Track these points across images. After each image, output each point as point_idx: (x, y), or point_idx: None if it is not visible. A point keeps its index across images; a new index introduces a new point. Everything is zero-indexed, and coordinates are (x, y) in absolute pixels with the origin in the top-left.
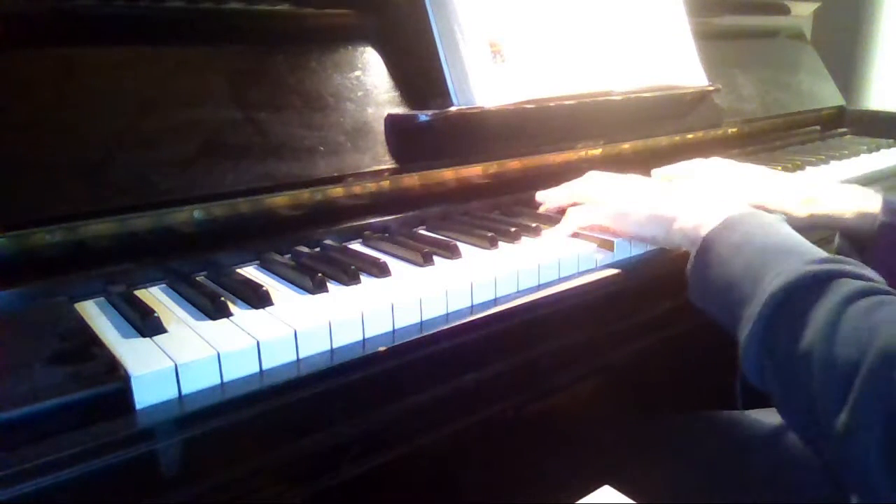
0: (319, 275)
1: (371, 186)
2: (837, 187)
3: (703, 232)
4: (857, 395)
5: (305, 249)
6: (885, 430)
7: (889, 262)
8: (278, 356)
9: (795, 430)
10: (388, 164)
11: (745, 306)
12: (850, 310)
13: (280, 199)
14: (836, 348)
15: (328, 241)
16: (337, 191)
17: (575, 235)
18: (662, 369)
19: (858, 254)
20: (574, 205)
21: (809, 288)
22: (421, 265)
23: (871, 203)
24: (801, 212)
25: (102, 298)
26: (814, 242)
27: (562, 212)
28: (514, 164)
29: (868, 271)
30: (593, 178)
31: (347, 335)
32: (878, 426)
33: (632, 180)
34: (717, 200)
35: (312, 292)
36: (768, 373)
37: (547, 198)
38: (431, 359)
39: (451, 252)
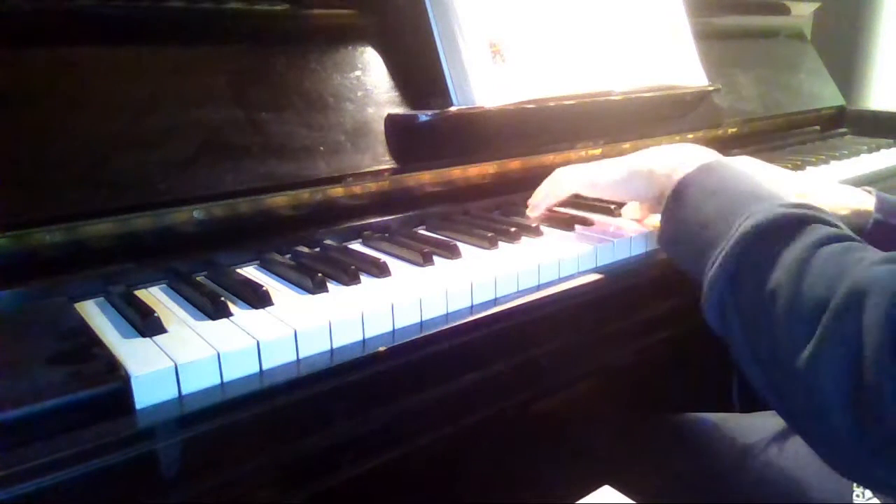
0: (319, 275)
1: (371, 186)
2: (831, 185)
3: (676, 177)
4: (822, 332)
5: (305, 249)
6: (849, 367)
7: None
8: (278, 356)
9: (752, 375)
10: (388, 164)
11: (714, 248)
12: (820, 252)
13: (280, 199)
14: (805, 288)
15: (328, 241)
16: (337, 191)
17: (569, 227)
18: (662, 370)
19: None
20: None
21: (781, 229)
22: (421, 265)
23: (864, 200)
24: None
25: (102, 298)
26: None
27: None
28: (514, 164)
29: (837, 220)
30: (561, 169)
31: (347, 335)
32: (842, 362)
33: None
34: (692, 149)
35: (312, 292)
36: (730, 312)
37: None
38: (431, 359)
39: (451, 252)
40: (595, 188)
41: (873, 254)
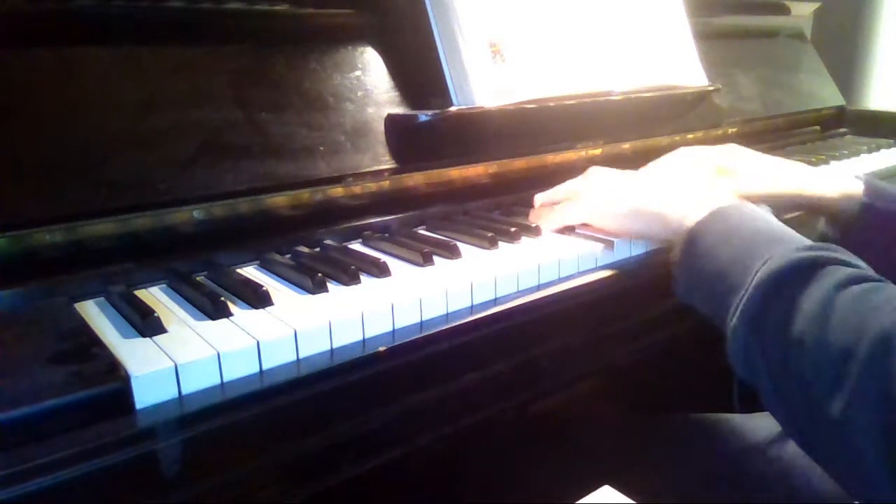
0: (319, 275)
1: (371, 186)
2: (821, 171)
3: (689, 223)
4: (853, 379)
5: (305, 249)
6: (882, 414)
7: (872, 244)
8: (278, 356)
9: (784, 422)
10: (388, 164)
11: (734, 294)
12: (841, 295)
13: (280, 199)
14: (830, 333)
15: (328, 241)
16: (337, 191)
17: (570, 233)
18: (662, 370)
19: (843, 237)
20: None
21: (800, 273)
22: (421, 265)
23: (854, 185)
24: (791, 194)
25: (102, 298)
26: (796, 227)
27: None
28: (514, 164)
29: (855, 259)
30: (589, 175)
31: (347, 335)
32: (875, 410)
33: (620, 177)
34: (701, 191)
35: (312, 292)
36: (757, 361)
37: (539, 200)
38: (431, 359)
39: (451, 252)
40: (602, 222)
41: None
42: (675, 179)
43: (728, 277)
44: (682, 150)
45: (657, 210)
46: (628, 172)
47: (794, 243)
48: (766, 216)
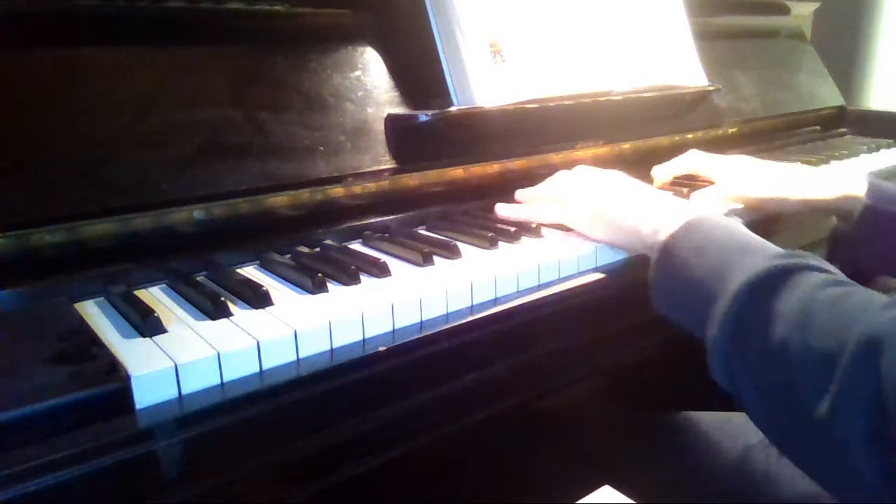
0: (319, 275)
1: (371, 186)
2: (820, 172)
3: (662, 237)
4: (839, 382)
5: (305, 249)
6: (869, 416)
7: (874, 244)
8: (278, 356)
9: (767, 429)
10: (388, 164)
11: (711, 306)
12: (818, 300)
13: (280, 199)
14: (811, 338)
15: (328, 241)
16: (337, 191)
17: (569, 227)
18: (662, 369)
19: (846, 236)
20: None
21: (774, 281)
22: (421, 265)
23: (856, 186)
24: (795, 198)
25: (102, 298)
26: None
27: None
28: (514, 164)
29: (826, 265)
30: (558, 178)
31: (347, 335)
32: (861, 412)
33: (600, 185)
34: (674, 204)
35: (312, 292)
36: (737, 369)
37: (522, 197)
38: (431, 359)
39: (451, 252)
40: (582, 230)
41: (871, 295)
42: (649, 191)
43: (704, 289)
44: (692, 151)
45: (632, 224)
46: (612, 177)
47: (767, 251)
48: (737, 226)
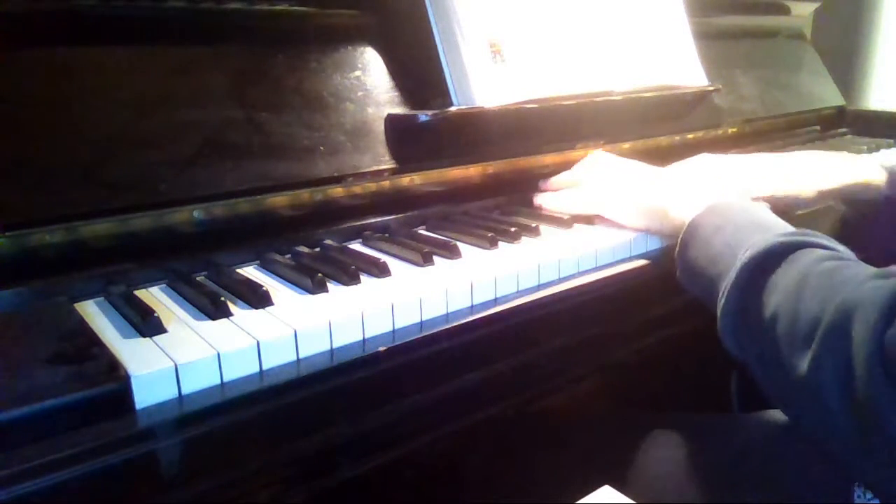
0: (319, 275)
1: (371, 186)
2: (843, 158)
3: (688, 218)
4: (818, 346)
5: (305, 249)
6: (844, 378)
7: (891, 235)
8: (278, 356)
9: (767, 388)
10: (388, 164)
11: (723, 279)
12: (815, 272)
13: (280, 199)
14: (801, 307)
15: (328, 241)
16: (337, 191)
17: (569, 227)
18: (662, 370)
19: (862, 221)
20: None
21: (778, 256)
22: (421, 265)
23: (876, 174)
24: (809, 192)
25: (102, 298)
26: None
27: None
28: (514, 164)
29: (834, 243)
30: (594, 161)
31: (347, 335)
32: (838, 374)
33: (626, 168)
34: (703, 189)
35: (312, 292)
36: (743, 337)
37: (551, 184)
38: (431, 359)
39: (451, 252)
40: (609, 214)
41: (864, 269)
42: (680, 178)
43: (718, 264)
44: (703, 155)
45: (661, 207)
46: (631, 163)
47: (777, 230)
48: (756, 209)
